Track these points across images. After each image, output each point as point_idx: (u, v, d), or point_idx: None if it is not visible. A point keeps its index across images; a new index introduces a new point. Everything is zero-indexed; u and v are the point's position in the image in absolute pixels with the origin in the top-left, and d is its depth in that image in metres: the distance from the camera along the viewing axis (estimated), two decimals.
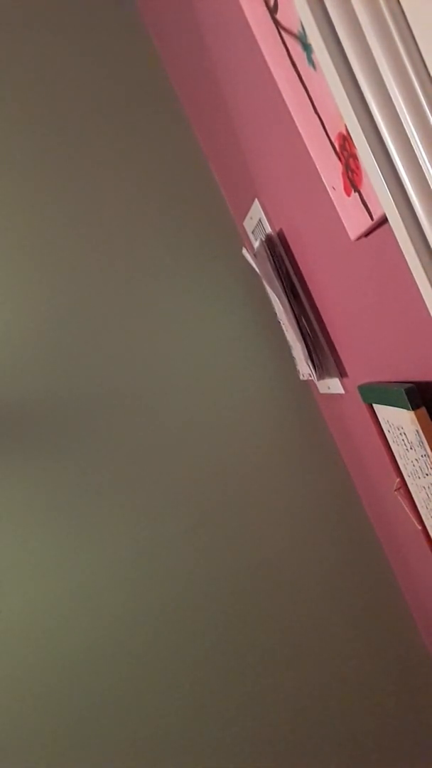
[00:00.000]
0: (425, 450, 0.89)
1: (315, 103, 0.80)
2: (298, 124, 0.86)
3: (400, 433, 0.97)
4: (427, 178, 0.56)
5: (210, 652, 1.49)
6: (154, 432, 1.49)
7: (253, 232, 1.42)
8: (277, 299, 1.33)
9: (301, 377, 1.47)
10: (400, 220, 0.60)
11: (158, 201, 1.51)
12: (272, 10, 0.80)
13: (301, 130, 0.86)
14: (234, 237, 1.54)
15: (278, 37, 0.81)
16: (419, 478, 0.99)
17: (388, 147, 0.58)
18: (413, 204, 0.59)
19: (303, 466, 1.54)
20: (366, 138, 0.59)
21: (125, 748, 1.45)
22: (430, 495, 0.98)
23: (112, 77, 1.49)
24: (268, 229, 1.29)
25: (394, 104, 0.56)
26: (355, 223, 0.84)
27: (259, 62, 0.94)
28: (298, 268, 1.24)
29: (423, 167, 0.56)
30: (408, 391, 0.86)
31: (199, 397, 1.51)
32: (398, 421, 0.95)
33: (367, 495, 1.50)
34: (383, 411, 1.02)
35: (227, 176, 1.44)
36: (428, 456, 0.89)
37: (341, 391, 1.29)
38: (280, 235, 1.25)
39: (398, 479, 1.09)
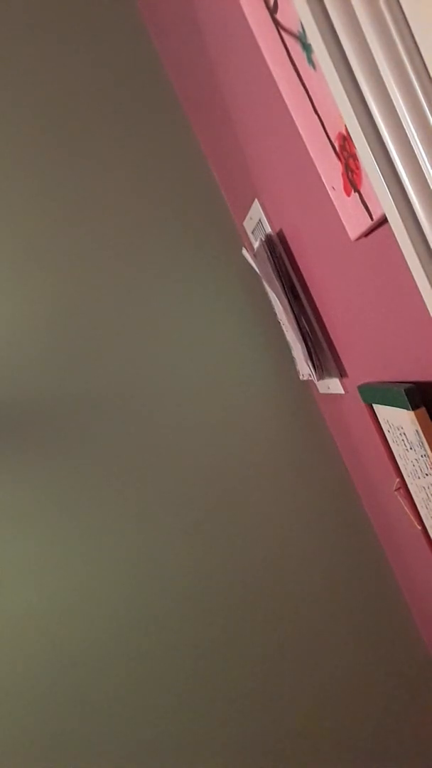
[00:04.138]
0: (425, 450, 0.89)
1: (315, 103, 0.80)
2: (298, 124, 0.86)
3: (400, 433, 0.97)
4: (427, 178, 0.56)
5: (209, 650, 1.49)
6: (154, 432, 1.49)
7: (253, 232, 1.42)
8: (277, 299, 1.33)
9: (301, 377, 1.47)
10: (400, 220, 0.60)
11: (158, 201, 1.51)
12: (272, 10, 0.80)
13: (301, 130, 0.86)
14: (234, 237, 1.54)
15: (278, 37, 0.81)
16: (419, 478, 0.99)
17: (388, 147, 0.58)
18: (413, 204, 0.59)
19: (303, 466, 1.54)
20: (366, 138, 0.59)
21: (125, 748, 1.45)
22: (429, 495, 0.98)
23: (112, 77, 1.49)
24: (268, 229, 1.29)
25: (394, 104, 0.56)
26: (355, 223, 0.84)
27: (259, 62, 0.94)
28: (298, 268, 1.24)
29: (423, 167, 0.56)
30: (408, 391, 0.86)
31: (199, 397, 1.51)
32: (398, 421, 0.95)
33: (367, 495, 1.50)
34: (383, 411, 1.02)
35: (227, 176, 1.44)
36: (428, 456, 0.89)
37: (341, 391, 1.29)
38: (280, 235, 1.25)
39: (398, 479, 1.09)
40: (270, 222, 1.27)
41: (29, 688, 1.43)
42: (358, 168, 0.75)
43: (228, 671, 1.49)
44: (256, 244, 1.39)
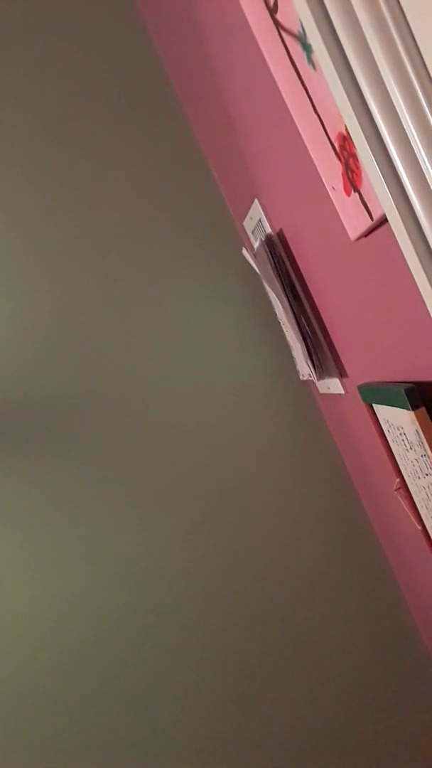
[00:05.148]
0: (425, 450, 0.89)
1: (315, 103, 0.80)
2: (298, 125, 0.86)
3: (400, 433, 0.97)
4: (427, 178, 0.56)
5: (209, 650, 1.49)
6: (154, 431, 1.49)
7: (253, 232, 1.42)
8: (277, 299, 1.33)
9: (301, 377, 1.47)
10: (399, 220, 0.60)
11: (158, 201, 1.51)
12: (272, 10, 0.80)
13: (301, 130, 0.86)
14: (234, 237, 1.54)
15: (278, 37, 0.81)
16: (419, 478, 0.99)
17: (388, 147, 0.58)
18: (413, 204, 0.59)
19: (303, 466, 1.54)
20: (366, 138, 0.59)
21: (124, 749, 1.45)
22: (429, 495, 0.98)
23: (112, 77, 1.49)
24: (268, 229, 1.29)
25: (394, 104, 0.56)
26: (355, 223, 0.84)
27: (259, 62, 0.94)
28: (298, 268, 1.24)
29: (423, 167, 0.56)
30: (408, 391, 0.86)
31: (199, 397, 1.51)
32: (398, 421, 0.95)
33: (367, 495, 1.50)
34: (383, 411, 1.02)
35: (227, 176, 1.44)
36: (428, 456, 0.89)
37: (341, 391, 1.29)
38: (280, 235, 1.25)
39: (398, 479, 1.09)
40: (270, 222, 1.27)
41: (29, 687, 1.43)
42: (358, 168, 0.75)
43: (227, 671, 1.49)
44: (256, 244, 1.39)
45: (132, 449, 1.48)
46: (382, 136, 0.58)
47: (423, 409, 0.86)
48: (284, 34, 0.79)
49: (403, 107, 0.55)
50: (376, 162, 0.59)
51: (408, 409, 0.87)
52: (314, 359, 1.26)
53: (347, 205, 0.83)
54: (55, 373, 1.46)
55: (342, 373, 1.26)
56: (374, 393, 1.01)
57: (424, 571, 1.33)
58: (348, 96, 0.59)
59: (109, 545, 1.46)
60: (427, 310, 0.78)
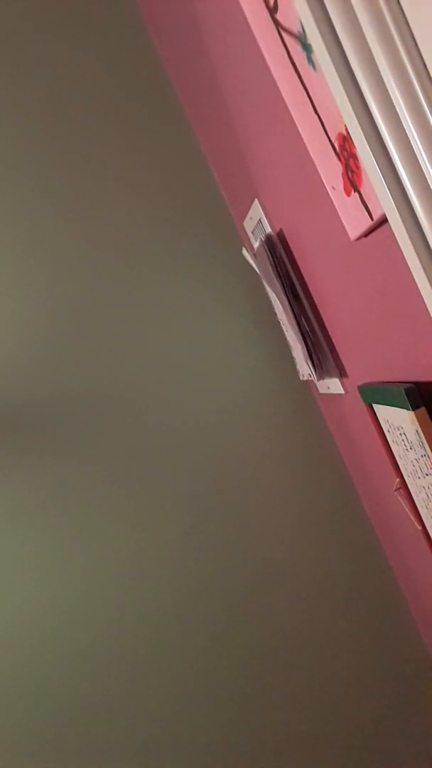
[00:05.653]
0: (425, 450, 0.89)
1: (315, 103, 0.80)
2: (298, 124, 0.86)
3: (400, 433, 0.97)
4: (427, 178, 0.56)
5: (209, 649, 1.49)
6: (154, 432, 1.49)
7: (253, 232, 1.42)
8: (277, 299, 1.33)
9: (301, 377, 1.47)
10: (399, 220, 0.60)
11: (158, 201, 1.51)
12: (272, 10, 0.80)
13: (301, 130, 0.86)
14: (234, 237, 1.54)
15: (278, 37, 0.81)
16: (419, 478, 0.99)
17: (388, 147, 0.58)
18: (413, 204, 0.59)
19: (303, 466, 1.54)
20: (366, 138, 0.59)
21: (123, 749, 1.45)
22: (429, 495, 0.98)
23: (112, 77, 1.49)
24: (268, 229, 1.29)
25: (394, 104, 0.56)
26: (355, 223, 0.84)
27: (259, 62, 0.94)
28: (298, 268, 1.24)
29: (423, 167, 0.56)
30: (408, 391, 0.86)
31: (199, 397, 1.51)
32: (398, 421, 0.95)
33: (367, 495, 1.50)
34: (383, 411, 1.02)
35: (227, 176, 1.44)
36: (428, 456, 0.89)
37: (341, 391, 1.29)
38: (280, 235, 1.25)
39: (398, 479, 1.09)
40: (270, 222, 1.27)
41: (29, 687, 1.43)
42: (358, 168, 0.75)
43: (227, 670, 1.49)
44: (256, 244, 1.39)
45: (132, 449, 1.48)
46: (382, 136, 0.58)
47: (423, 409, 0.86)
48: (284, 34, 0.79)
49: (403, 107, 0.55)
50: (376, 162, 0.59)
51: (408, 409, 0.87)
52: (314, 359, 1.26)
53: (347, 205, 0.83)
54: (54, 372, 1.46)
55: (342, 373, 1.26)
56: (374, 393, 1.01)
57: (424, 571, 1.33)
58: (348, 96, 0.59)
59: (109, 545, 1.46)
60: (427, 310, 0.78)
